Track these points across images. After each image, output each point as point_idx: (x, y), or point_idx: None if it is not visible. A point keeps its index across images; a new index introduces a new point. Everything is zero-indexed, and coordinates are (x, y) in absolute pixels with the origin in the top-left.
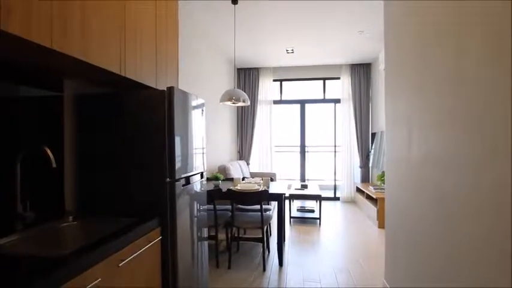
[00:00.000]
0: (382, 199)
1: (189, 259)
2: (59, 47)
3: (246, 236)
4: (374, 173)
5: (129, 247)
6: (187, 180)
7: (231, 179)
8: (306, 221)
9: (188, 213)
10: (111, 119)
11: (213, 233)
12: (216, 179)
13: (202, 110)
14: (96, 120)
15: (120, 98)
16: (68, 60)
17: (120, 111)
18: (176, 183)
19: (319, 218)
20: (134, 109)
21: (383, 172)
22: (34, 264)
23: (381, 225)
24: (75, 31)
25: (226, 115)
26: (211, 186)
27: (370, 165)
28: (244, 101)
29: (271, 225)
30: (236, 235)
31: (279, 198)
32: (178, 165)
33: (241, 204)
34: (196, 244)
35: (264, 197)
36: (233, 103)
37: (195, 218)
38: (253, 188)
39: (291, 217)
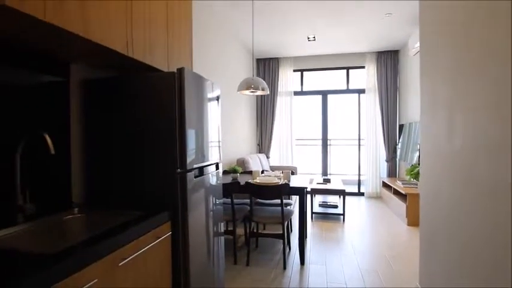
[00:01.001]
0: (413, 195)
1: (203, 255)
2: (56, 21)
3: (265, 231)
4: (402, 167)
5: (133, 243)
6: (201, 172)
7: (250, 172)
8: (329, 217)
9: (202, 207)
10: (119, 105)
11: (230, 228)
12: (234, 171)
13: (218, 97)
14: (103, 107)
15: (129, 82)
16: (67, 36)
17: (129, 96)
18: (188, 174)
19: (343, 214)
20: (143, 94)
21: (413, 166)
22: (23, 261)
23: (411, 223)
24: (73, 3)
25: (245, 107)
26: (229, 179)
27: (398, 158)
28: (263, 89)
29: (291, 220)
30: (255, 230)
31: (301, 192)
32: (190, 154)
33: (260, 198)
34: (212, 239)
35: (285, 190)
36: (251, 92)
37: (211, 212)
38: (272, 182)
39: (312, 213)
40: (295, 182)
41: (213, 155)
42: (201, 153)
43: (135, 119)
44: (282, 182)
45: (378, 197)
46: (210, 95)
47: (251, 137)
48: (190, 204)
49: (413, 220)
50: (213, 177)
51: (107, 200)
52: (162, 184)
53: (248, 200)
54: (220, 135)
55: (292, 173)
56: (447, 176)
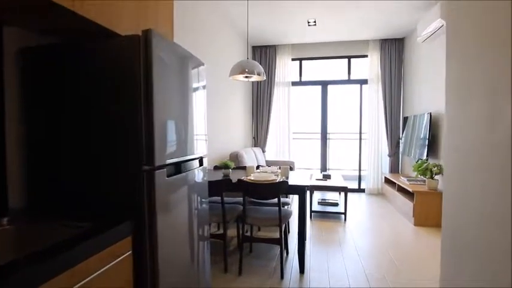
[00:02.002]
0: (420, 193)
1: (182, 267)
2: None
3: (260, 235)
4: (405, 162)
5: (71, 271)
6: (179, 168)
7: (244, 168)
8: (329, 215)
9: (181, 210)
10: (69, 82)
11: (221, 231)
12: (226, 167)
13: (204, 78)
14: (47, 84)
15: (81, 50)
16: None
17: (81, 69)
18: (157, 172)
19: (345, 213)
20: (99, 65)
21: (421, 161)
22: None
23: (418, 223)
24: None
25: (240, 97)
26: (219, 175)
27: (401, 153)
28: (259, 74)
29: (289, 221)
30: (248, 234)
31: (301, 191)
32: (162, 147)
33: (254, 198)
34: (196, 246)
35: (283, 189)
36: (246, 77)
37: (193, 214)
38: (269, 179)
39: (311, 211)
40: (294, 179)
41: (197, 148)
42: (181, 145)
43: (90, 100)
44: (279, 179)
45: (379, 194)
46: (194, 74)
47: (246, 130)
48: (162, 210)
49: (420, 220)
50: (198, 173)
51: (54, 205)
52: (123, 185)
53: (241, 199)
54: (206, 124)
55: (291, 169)
56: (480, 173)
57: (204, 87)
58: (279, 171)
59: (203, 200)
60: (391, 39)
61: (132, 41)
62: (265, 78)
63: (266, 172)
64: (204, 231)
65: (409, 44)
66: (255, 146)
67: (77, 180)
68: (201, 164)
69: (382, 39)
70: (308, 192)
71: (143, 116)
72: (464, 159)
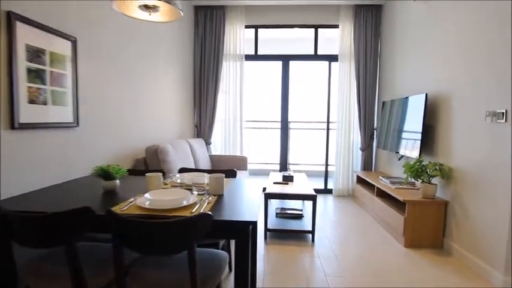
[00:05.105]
0: (414, 203)
1: None
2: None
3: None
4: (380, 157)
5: None
6: None
7: (162, 173)
8: (290, 235)
9: None
10: None
11: None
12: (107, 176)
13: None
14: None
15: None
16: None
17: None
18: None
19: (312, 231)
20: None
21: (417, 160)
22: None
23: (410, 244)
24: None
25: (175, 72)
26: (96, 192)
27: (375, 146)
28: (169, 2)
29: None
30: None
31: (244, 232)
32: None
33: (137, 251)
34: None
35: (200, 232)
36: (145, 8)
37: None
38: (176, 206)
39: (267, 230)
40: (236, 200)
41: None
42: None
43: None
44: (200, 207)
45: (349, 196)
46: None
47: (186, 116)
48: None
49: (413, 240)
50: None
51: None
52: None
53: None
54: None
55: (233, 174)
56: None
57: None
58: (206, 183)
59: None
60: (367, 6)
61: None
62: (182, 15)
63: (182, 185)
64: None
65: (389, 13)
66: (197, 137)
67: None
68: None
69: (356, 5)
70: (264, 200)
71: None
72: None
